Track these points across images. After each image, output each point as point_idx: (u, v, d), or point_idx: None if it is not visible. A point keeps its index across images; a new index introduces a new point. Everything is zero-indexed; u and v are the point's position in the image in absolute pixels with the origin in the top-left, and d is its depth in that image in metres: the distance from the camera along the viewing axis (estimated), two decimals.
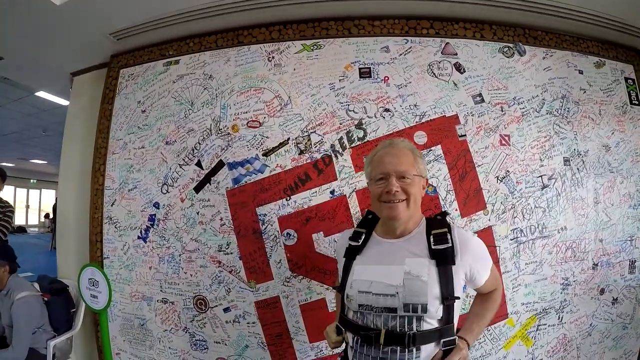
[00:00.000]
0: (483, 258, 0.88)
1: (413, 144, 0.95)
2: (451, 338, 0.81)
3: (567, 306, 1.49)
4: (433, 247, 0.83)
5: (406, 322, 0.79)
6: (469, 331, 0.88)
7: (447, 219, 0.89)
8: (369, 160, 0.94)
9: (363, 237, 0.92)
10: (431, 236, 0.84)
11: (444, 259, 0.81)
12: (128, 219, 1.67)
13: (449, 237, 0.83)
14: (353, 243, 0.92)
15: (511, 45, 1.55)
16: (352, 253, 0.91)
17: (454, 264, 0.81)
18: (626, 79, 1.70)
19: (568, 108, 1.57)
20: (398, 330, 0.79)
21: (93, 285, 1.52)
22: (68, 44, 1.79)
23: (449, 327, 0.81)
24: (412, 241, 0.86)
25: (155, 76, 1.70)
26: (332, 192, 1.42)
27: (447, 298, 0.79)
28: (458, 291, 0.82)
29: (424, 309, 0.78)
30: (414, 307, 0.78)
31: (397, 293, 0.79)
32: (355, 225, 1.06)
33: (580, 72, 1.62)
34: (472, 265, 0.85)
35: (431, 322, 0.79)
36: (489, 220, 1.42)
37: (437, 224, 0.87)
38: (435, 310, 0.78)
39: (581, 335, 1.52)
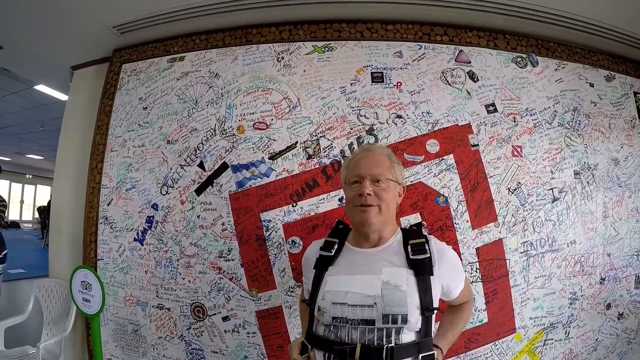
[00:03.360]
0: (458, 270, 0.88)
1: (392, 151, 0.93)
2: (429, 353, 0.78)
3: (574, 321, 1.47)
4: (411, 257, 0.81)
5: (384, 334, 0.75)
6: (443, 338, 0.87)
7: (423, 229, 0.89)
8: (345, 164, 0.93)
9: (336, 246, 0.88)
10: (409, 246, 0.83)
11: (422, 269, 0.80)
12: (125, 219, 1.60)
13: (426, 247, 0.82)
14: (325, 253, 0.87)
15: (524, 55, 1.54)
16: (323, 263, 0.86)
17: (432, 275, 0.80)
18: (635, 94, 1.70)
19: (579, 121, 1.56)
20: (375, 344, 0.74)
21: (86, 288, 1.45)
22: (69, 35, 1.73)
23: (427, 341, 0.78)
24: (389, 251, 0.84)
25: (159, 72, 1.65)
26: (340, 200, 1.37)
27: (427, 308, 0.77)
28: (435, 302, 0.80)
29: (404, 320, 0.75)
30: (393, 318, 0.74)
31: (376, 304, 0.76)
32: None
33: (591, 85, 1.61)
34: (449, 276, 0.84)
35: (410, 335, 0.77)
36: (500, 232, 1.39)
37: (414, 235, 0.86)
38: (416, 321, 0.76)
39: (587, 351, 1.50)
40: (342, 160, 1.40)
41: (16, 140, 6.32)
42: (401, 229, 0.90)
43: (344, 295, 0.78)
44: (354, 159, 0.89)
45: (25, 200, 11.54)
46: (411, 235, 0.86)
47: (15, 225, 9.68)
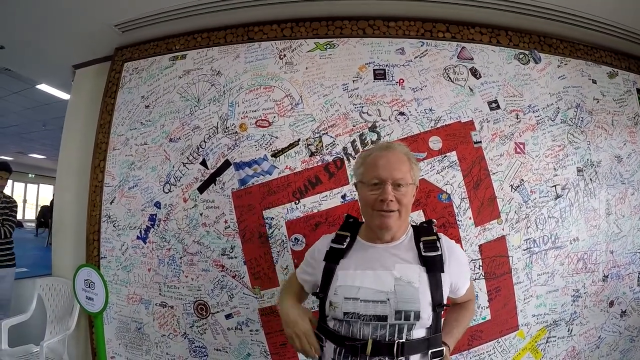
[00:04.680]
0: (466, 267, 0.90)
1: (409, 149, 0.90)
2: (439, 349, 0.79)
3: (577, 318, 1.47)
4: (424, 253, 0.81)
5: (396, 330, 0.75)
6: (449, 335, 0.87)
7: (433, 227, 0.89)
8: (361, 160, 0.89)
9: (348, 240, 0.87)
10: (421, 243, 0.83)
11: (433, 266, 0.80)
12: (127, 218, 1.61)
13: (438, 244, 0.83)
14: (336, 246, 0.87)
15: (527, 52, 1.53)
16: (335, 257, 0.85)
17: (443, 272, 0.81)
18: (638, 90, 1.69)
19: (582, 117, 1.55)
20: (387, 339, 0.75)
21: (89, 286, 1.46)
22: (70, 34, 1.74)
23: (437, 337, 0.79)
24: (401, 247, 0.84)
25: (161, 71, 1.64)
26: (343, 197, 1.37)
27: (439, 304, 0.78)
28: (445, 299, 0.81)
29: (417, 316, 0.75)
30: (406, 315, 0.75)
31: (389, 299, 0.76)
32: None
33: (594, 81, 1.61)
34: (458, 274, 0.85)
35: (421, 331, 0.77)
36: (503, 229, 1.39)
37: (425, 232, 0.87)
38: (428, 317, 0.77)
39: (589, 348, 1.50)
40: (345, 158, 1.40)
41: (18, 139, 6.34)
42: (412, 226, 0.90)
43: (356, 290, 0.78)
44: (372, 157, 0.85)
45: (27, 200, 11.58)
46: (422, 232, 0.86)
47: (18, 224, 9.77)
